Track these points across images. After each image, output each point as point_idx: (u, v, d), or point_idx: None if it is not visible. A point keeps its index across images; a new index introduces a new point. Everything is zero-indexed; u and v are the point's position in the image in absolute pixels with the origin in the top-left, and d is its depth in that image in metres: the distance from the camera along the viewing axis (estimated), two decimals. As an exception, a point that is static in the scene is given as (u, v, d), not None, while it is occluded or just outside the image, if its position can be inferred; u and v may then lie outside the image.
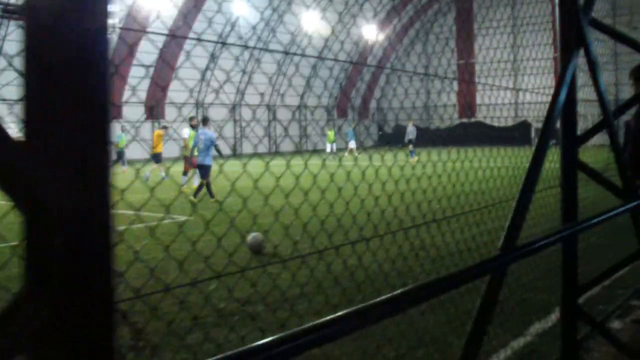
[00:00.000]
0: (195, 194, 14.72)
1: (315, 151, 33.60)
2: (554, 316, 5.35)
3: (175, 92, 32.81)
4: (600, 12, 5.08)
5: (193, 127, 16.89)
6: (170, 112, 36.25)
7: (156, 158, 20.58)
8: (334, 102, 45.82)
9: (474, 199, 6.30)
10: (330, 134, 34.60)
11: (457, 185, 4.28)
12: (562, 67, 3.38)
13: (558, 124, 3.77)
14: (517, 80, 40.86)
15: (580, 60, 3.85)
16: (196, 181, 15.64)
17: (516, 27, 42.36)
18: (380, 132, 39.90)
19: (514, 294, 6.14)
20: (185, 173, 17.02)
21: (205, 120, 15.08)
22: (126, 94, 30.63)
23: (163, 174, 21.60)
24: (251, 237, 8.21)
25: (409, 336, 4.57)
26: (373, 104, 47.50)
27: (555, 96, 3.32)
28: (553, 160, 4.09)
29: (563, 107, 3.87)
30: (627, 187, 3.66)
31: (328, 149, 33.26)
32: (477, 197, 5.83)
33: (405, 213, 3.67)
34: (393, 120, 41.41)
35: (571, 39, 3.43)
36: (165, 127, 23.25)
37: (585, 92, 5.46)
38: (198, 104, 37.08)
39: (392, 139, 37.49)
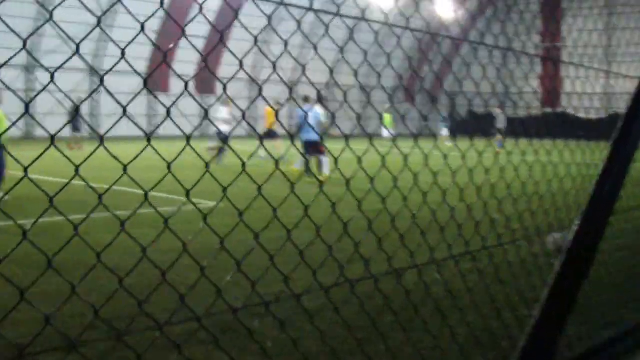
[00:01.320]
0: (320, 171, 15.97)
1: (377, 136, 30.30)
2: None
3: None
4: None
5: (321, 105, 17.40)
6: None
7: (269, 134, 21.09)
8: (398, 84, 43.08)
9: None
10: (387, 116, 33.61)
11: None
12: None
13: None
14: (610, 67, 38.31)
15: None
16: (297, 164, 16.86)
17: (608, 8, 40.21)
18: (446, 119, 36.16)
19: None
20: (322, 153, 16.55)
21: (307, 98, 17.25)
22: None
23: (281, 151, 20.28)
24: (555, 236, 7.27)
25: None
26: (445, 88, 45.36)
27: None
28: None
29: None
30: None
31: (385, 134, 31.41)
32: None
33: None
34: (465, 106, 40.13)
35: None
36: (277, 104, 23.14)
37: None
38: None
39: (460, 128, 36.30)
